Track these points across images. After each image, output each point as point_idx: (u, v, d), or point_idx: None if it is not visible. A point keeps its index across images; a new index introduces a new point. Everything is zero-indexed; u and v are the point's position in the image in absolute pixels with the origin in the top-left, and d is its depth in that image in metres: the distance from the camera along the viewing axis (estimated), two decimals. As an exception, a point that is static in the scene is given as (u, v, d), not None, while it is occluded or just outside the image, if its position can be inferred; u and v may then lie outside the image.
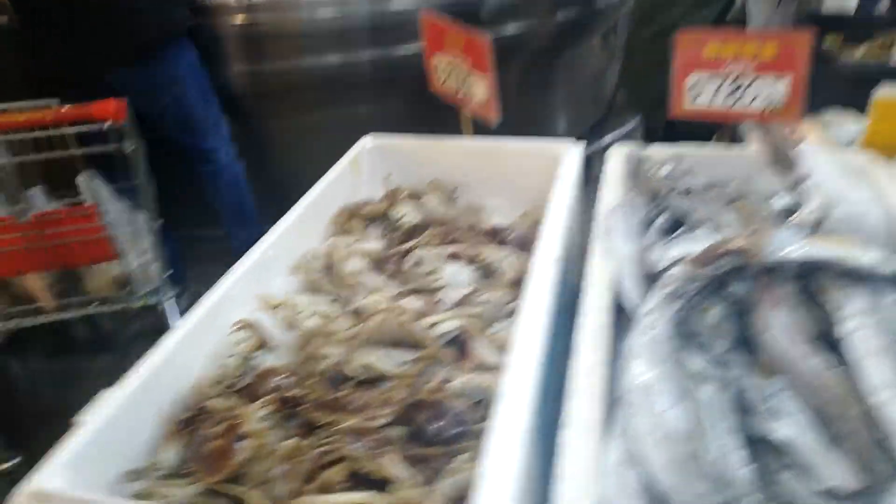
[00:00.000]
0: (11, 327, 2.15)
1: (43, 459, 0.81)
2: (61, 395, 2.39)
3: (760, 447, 0.92)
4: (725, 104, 1.42)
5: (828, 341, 0.97)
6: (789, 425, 0.92)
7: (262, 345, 1.07)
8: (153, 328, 2.76)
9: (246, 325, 1.07)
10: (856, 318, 0.96)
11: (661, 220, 1.32)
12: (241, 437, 0.86)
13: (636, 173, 1.43)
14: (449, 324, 1.05)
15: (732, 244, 1.01)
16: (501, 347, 1.06)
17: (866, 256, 1.01)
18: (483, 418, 0.92)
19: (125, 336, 2.71)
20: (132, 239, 2.07)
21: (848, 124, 1.80)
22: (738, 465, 0.89)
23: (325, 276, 1.24)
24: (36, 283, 2.12)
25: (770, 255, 1.00)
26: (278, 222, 1.28)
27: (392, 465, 0.77)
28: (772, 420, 0.92)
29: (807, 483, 0.86)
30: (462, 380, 0.96)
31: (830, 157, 1.38)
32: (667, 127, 1.87)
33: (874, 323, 0.95)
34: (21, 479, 1.81)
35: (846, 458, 0.87)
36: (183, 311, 2.15)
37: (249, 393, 0.98)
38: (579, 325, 0.99)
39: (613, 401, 0.95)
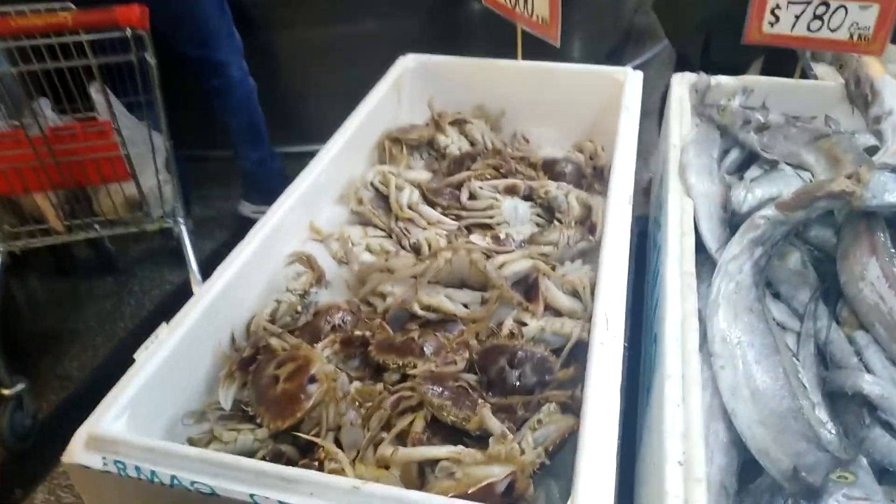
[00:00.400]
0: (19, 247, 2.06)
1: (100, 400, 0.75)
2: (64, 317, 2.34)
3: (847, 402, 0.88)
4: (806, 31, 1.31)
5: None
6: (879, 381, 0.87)
7: (319, 280, 1.00)
8: (159, 250, 2.69)
9: (301, 259, 1.00)
10: (959, 271, 0.90)
11: (734, 156, 1.24)
12: (311, 381, 0.80)
13: (704, 104, 1.33)
14: (519, 264, 0.98)
15: (833, 187, 0.93)
16: (573, 290, 0.99)
17: (972, 204, 0.94)
18: (564, 366, 0.88)
19: (128, 258, 2.64)
20: (147, 158, 1.96)
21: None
22: (827, 421, 0.86)
23: (376, 208, 1.16)
24: (44, 202, 2.01)
25: (872, 198, 0.92)
26: (324, 148, 1.19)
27: (487, 418, 0.72)
28: (861, 374, 0.87)
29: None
30: (539, 324, 0.91)
31: (913, 92, 1.29)
32: (702, 57, 1.74)
33: (979, 275, 0.89)
34: (26, 404, 1.76)
35: (939, 417, 0.84)
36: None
37: (310, 331, 0.92)
38: (663, 271, 0.93)
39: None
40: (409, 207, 1.13)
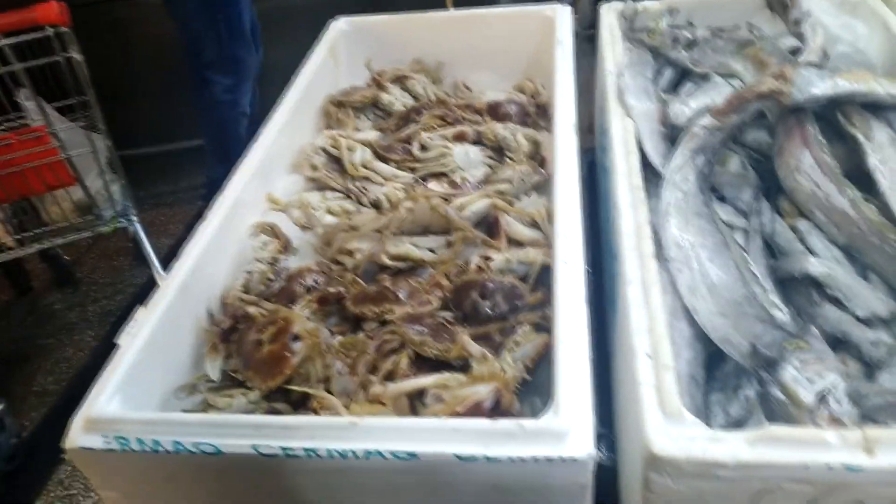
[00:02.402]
0: (-30, 269, 2.01)
1: (91, 386, 0.77)
2: (29, 335, 2.31)
3: (797, 285, 0.94)
4: (720, -55, 1.35)
5: (852, 177, 0.99)
6: (823, 261, 0.94)
7: (286, 247, 1.02)
8: (117, 254, 2.65)
9: (265, 228, 1.01)
10: (882, 150, 0.97)
11: (668, 75, 1.29)
12: (295, 338, 0.83)
13: (634, 29, 1.37)
14: (478, 204, 1.01)
15: (761, 88, 0.98)
16: (532, 221, 1.03)
17: (889, 87, 1.00)
18: (532, 290, 0.92)
19: (86, 267, 2.60)
20: (88, 160, 1.92)
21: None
22: (780, 304, 0.92)
23: (331, 171, 1.18)
24: (-10, 218, 1.97)
25: (799, 94, 0.98)
26: (269, 119, 1.19)
27: (466, 342, 0.76)
28: (806, 258, 0.94)
29: (846, 313, 0.89)
30: (504, 256, 0.94)
31: (827, -7, 1.35)
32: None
33: (899, 153, 0.96)
34: (8, 424, 1.74)
35: (880, 287, 0.91)
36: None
37: (286, 296, 0.95)
38: (614, 186, 0.97)
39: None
40: (364, 166, 1.15)
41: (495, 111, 1.33)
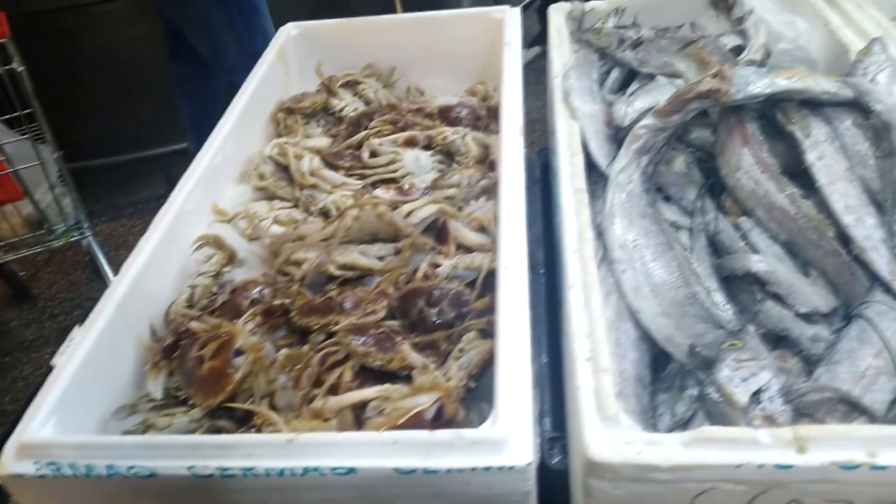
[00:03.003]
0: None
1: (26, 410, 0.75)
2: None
3: (740, 283, 0.96)
4: (663, -54, 1.37)
5: (793, 173, 1.00)
6: (764, 258, 0.95)
7: (231, 260, 1.00)
8: (73, 268, 2.59)
9: (209, 241, 1.00)
10: (819, 147, 0.99)
11: (615, 75, 1.30)
12: (238, 353, 0.81)
13: (582, 30, 1.38)
14: (426, 210, 1.01)
15: (700, 87, 0.99)
16: (480, 226, 1.03)
17: (824, 84, 1.02)
18: (479, 296, 0.92)
19: (42, 283, 2.54)
20: (38, 173, 1.87)
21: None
22: (722, 302, 0.93)
23: (279, 180, 1.16)
24: (-62, 237, 1.91)
25: (737, 93, 0.99)
26: (216, 128, 1.17)
27: (407, 352, 0.75)
28: (748, 256, 0.95)
29: (787, 310, 0.90)
30: (451, 262, 0.94)
31: (769, -9, 1.38)
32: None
33: (835, 150, 0.98)
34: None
35: (819, 283, 0.92)
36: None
37: (230, 310, 0.93)
38: (559, 191, 0.98)
39: (598, 261, 0.96)
40: (312, 174, 1.14)
41: (446, 115, 1.33)
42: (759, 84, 1.01)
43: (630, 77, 1.31)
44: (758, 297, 0.93)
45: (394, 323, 0.87)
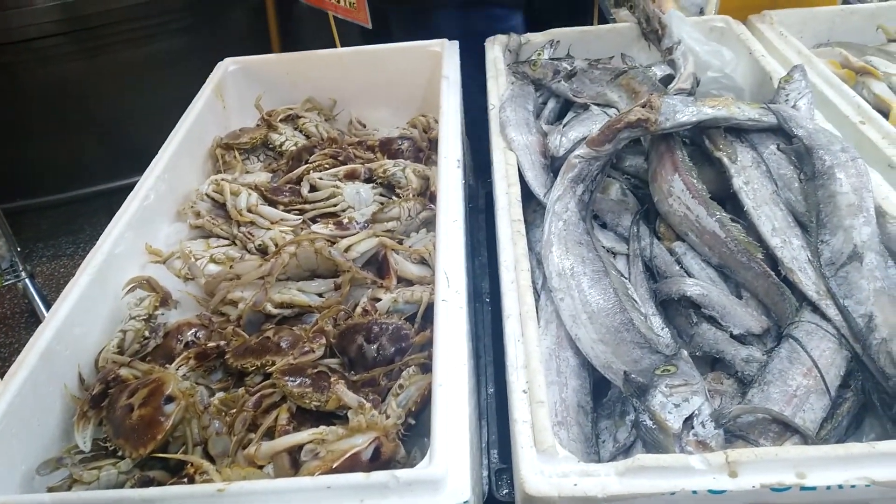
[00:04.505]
0: None
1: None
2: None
3: (677, 306, 0.97)
4: (593, -19, 1.41)
5: (723, 197, 1.03)
6: (698, 282, 0.97)
7: (164, 302, 0.97)
8: (11, 314, 2.48)
9: (141, 283, 0.97)
10: (745, 172, 1.02)
11: (551, 105, 1.32)
12: (169, 400, 0.78)
13: (519, 62, 1.41)
14: (365, 244, 1.00)
15: (630, 117, 1.02)
16: (421, 258, 1.03)
17: (748, 112, 1.06)
18: (419, 330, 0.91)
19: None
20: (-33, 215, 1.80)
21: (699, -8, 1.86)
22: (659, 327, 0.95)
23: (216, 217, 1.14)
24: None
25: (665, 121, 1.02)
26: (149, 167, 1.15)
27: (342, 392, 0.73)
28: (683, 280, 0.97)
29: (722, 331, 0.92)
30: (391, 296, 0.93)
31: (695, 23, 1.43)
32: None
33: (761, 174, 1.01)
34: None
35: (752, 304, 0.95)
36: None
37: (162, 354, 0.90)
38: (497, 222, 0.98)
39: (537, 290, 0.97)
40: (249, 210, 1.12)
41: (387, 147, 1.33)
42: (685, 112, 1.04)
43: (566, 107, 1.34)
44: (694, 320, 0.94)
45: (332, 361, 0.86)
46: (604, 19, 1.63)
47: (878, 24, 1.41)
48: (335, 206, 1.15)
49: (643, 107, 1.05)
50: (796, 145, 1.03)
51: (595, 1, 1.52)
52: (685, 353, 0.79)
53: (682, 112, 1.04)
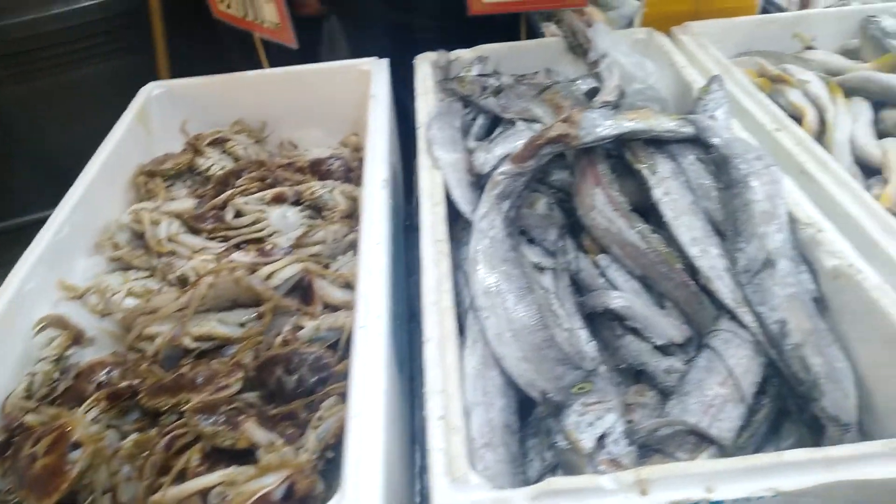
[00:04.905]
0: None
1: None
2: None
3: (603, 319, 0.98)
4: (518, -4, 1.43)
5: (646, 209, 1.05)
6: (622, 294, 0.98)
7: (77, 340, 0.93)
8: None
9: (52, 322, 0.93)
10: (664, 183, 1.03)
11: (480, 122, 1.32)
12: (75, 446, 0.75)
13: (448, 79, 1.41)
14: (288, 270, 0.98)
15: (550, 133, 1.03)
16: (347, 283, 1.01)
17: (666, 123, 1.07)
18: (342, 358, 0.89)
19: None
20: None
21: (625, 5, 1.89)
22: (585, 341, 0.95)
23: (136, 248, 1.10)
24: None
25: (585, 136, 1.03)
26: (63, 199, 1.11)
27: (251, 431, 0.71)
28: (607, 293, 0.98)
29: (645, 343, 0.93)
30: (313, 324, 0.91)
31: (620, 35, 1.45)
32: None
33: (679, 185, 1.03)
34: None
35: (673, 314, 0.96)
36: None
37: (73, 396, 0.86)
38: (420, 241, 0.97)
39: (465, 309, 0.96)
40: (170, 240, 1.09)
41: (317, 168, 1.31)
42: (605, 126, 1.05)
43: (496, 123, 1.34)
44: (618, 333, 0.95)
45: (250, 395, 0.83)
46: (534, 33, 1.64)
47: (795, 32, 1.46)
48: (261, 231, 1.13)
49: (563, 122, 1.06)
50: (713, 155, 1.05)
51: (522, 16, 1.53)
52: (603, 368, 0.79)
53: (601, 126, 1.05)
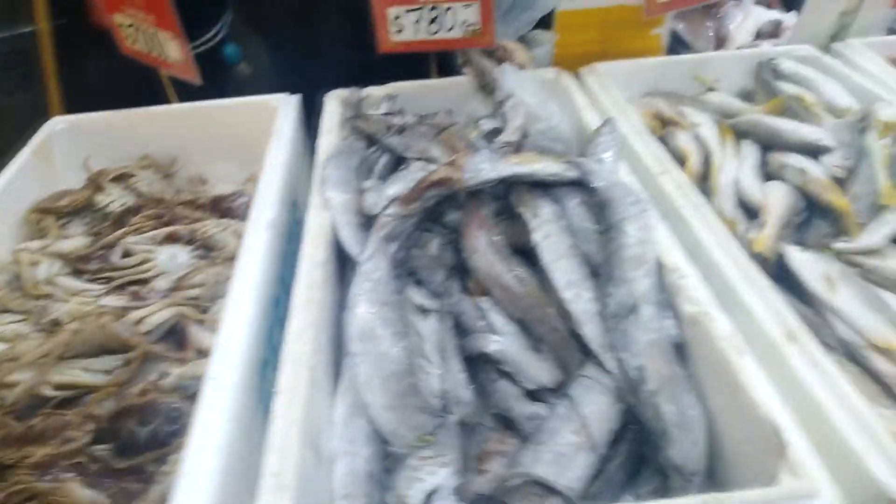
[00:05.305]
0: None
1: None
2: None
3: (481, 363, 0.98)
4: (428, 35, 1.44)
5: (531, 251, 1.05)
6: (501, 338, 0.98)
7: (-71, 390, 0.90)
8: None
9: None
10: (545, 226, 1.04)
11: (383, 161, 1.33)
12: None
13: (355, 116, 1.41)
14: (160, 315, 0.96)
15: (434, 176, 1.03)
16: (224, 326, 1.00)
17: (551, 167, 1.09)
18: (202, 407, 0.87)
19: None
20: None
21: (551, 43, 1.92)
22: (462, 385, 0.95)
23: (14, 291, 1.08)
24: None
25: (469, 179, 1.04)
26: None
27: (73, 491, 0.69)
28: (484, 336, 0.98)
29: (515, 387, 0.93)
30: (178, 372, 0.90)
31: (527, 75, 1.48)
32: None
33: (560, 228, 1.04)
34: None
35: (547, 358, 0.96)
36: None
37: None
38: (294, 285, 0.96)
39: (342, 354, 0.95)
40: (49, 282, 1.07)
41: (219, 206, 1.30)
42: (489, 170, 1.06)
43: (400, 162, 1.34)
44: (493, 377, 0.95)
45: (98, 448, 0.81)
46: (451, 70, 1.66)
47: (696, 74, 1.49)
48: (146, 272, 1.11)
49: (448, 165, 1.07)
50: (596, 199, 1.06)
51: (431, 55, 1.54)
52: (453, 418, 0.78)
53: (485, 170, 1.06)
